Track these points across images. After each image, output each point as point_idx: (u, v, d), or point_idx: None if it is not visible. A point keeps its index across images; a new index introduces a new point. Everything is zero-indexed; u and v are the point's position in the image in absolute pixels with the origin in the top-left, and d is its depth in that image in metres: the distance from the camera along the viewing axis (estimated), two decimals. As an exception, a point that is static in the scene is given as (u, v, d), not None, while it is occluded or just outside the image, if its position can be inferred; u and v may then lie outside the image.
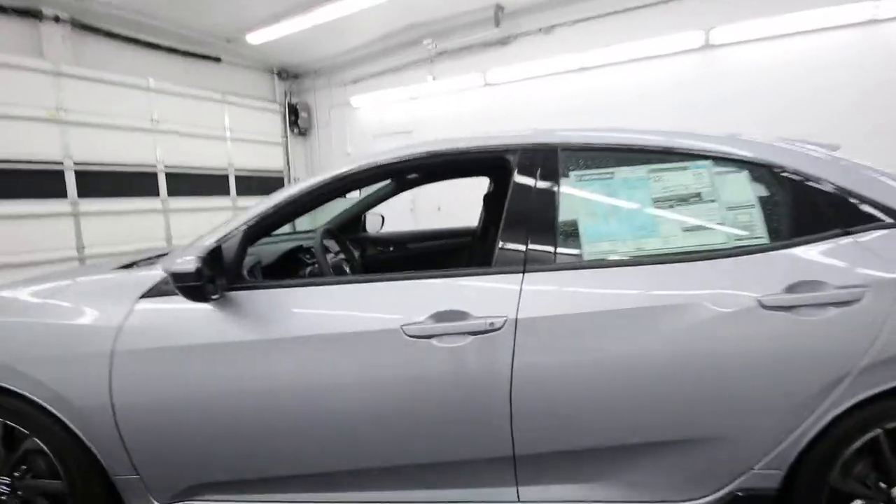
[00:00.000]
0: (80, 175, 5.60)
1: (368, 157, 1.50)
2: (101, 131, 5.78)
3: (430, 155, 1.48)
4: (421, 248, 3.13)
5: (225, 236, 1.37)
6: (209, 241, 1.34)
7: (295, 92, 7.88)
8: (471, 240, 3.08)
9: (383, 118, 7.12)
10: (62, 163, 5.46)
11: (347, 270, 1.83)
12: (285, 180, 8.06)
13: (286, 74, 7.68)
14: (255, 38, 6.10)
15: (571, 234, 1.36)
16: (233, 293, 1.35)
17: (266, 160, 7.68)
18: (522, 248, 1.34)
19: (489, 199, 2.61)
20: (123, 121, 5.95)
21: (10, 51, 5.08)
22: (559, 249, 1.34)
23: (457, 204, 6.39)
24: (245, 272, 1.51)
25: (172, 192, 6.56)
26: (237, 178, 7.30)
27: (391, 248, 3.11)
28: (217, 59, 6.86)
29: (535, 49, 5.70)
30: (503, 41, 5.90)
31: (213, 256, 1.28)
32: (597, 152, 1.44)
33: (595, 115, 5.12)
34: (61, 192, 5.47)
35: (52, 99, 5.35)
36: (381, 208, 2.97)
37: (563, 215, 1.37)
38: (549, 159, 1.42)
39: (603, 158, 1.43)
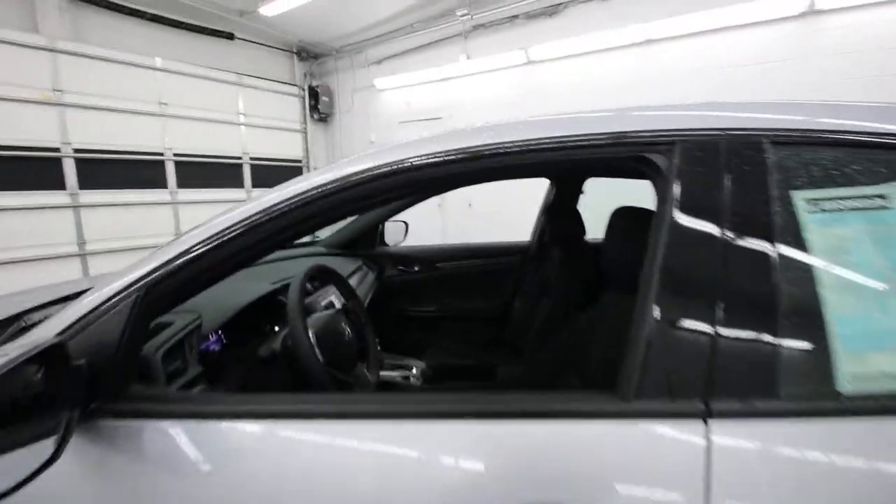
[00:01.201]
0: (80, 163, 5.12)
1: (376, 155, 0.79)
2: (103, 115, 5.27)
3: (496, 151, 0.77)
4: (454, 268, 2.42)
5: (80, 320, 0.69)
6: (50, 328, 0.68)
7: (316, 74, 7.24)
8: (521, 261, 2.35)
9: (410, 102, 6.38)
10: (59, 149, 4.97)
11: (346, 330, 1.14)
12: (304, 170, 7.47)
13: (306, 54, 7.02)
14: (270, 9, 5.44)
15: (809, 329, 0.62)
16: (108, 424, 0.68)
17: (284, 148, 7.10)
18: (701, 361, 0.62)
19: (559, 216, 1.86)
20: (128, 103, 5.43)
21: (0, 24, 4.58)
22: (786, 367, 0.61)
23: (491, 200, 5.69)
24: (157, 359, 0.85)
25: (182, 182, 6.04)
26: (252, 167, 6.74)
27: (416, 268, 2.41)
28: (230, 36, 6.25)
29: (587, 20, 4.84)
30: (550, 12, 5.05)
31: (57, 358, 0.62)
32: (852, 149, 0.69)
33: (664, 100, 4.24)
34: (59, 182, 5.00)
35: (47, 78, 4.84)
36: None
37: (791, 286, 0.64)
38: (749, 162, 0.69)
39: (864, 161, 0.68)
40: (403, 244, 2.50)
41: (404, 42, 6.14)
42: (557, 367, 1.33)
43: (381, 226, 2.42)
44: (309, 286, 1.49)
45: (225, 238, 0.74)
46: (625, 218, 1.05)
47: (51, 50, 4.83)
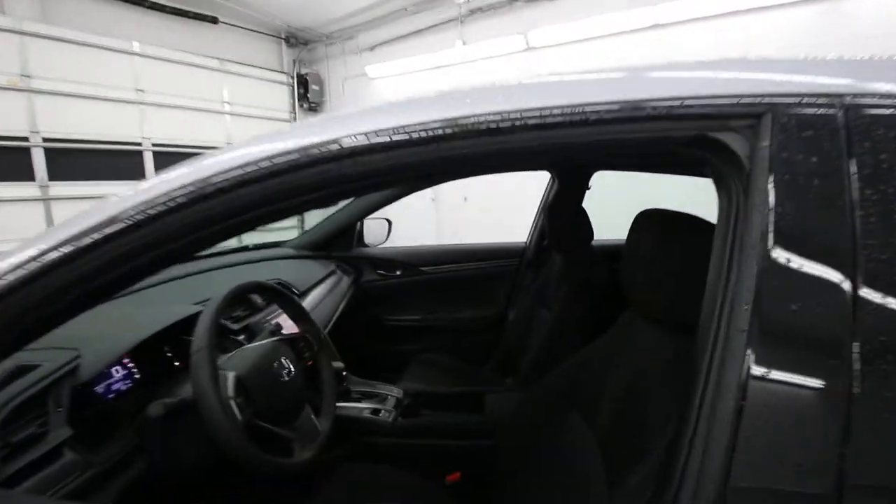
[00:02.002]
0: (50, 153, 4.81)
1: (277, 136, 0.51)
2: (76, 102, 4.95)
3: (475, 128, 0.48)
4: (441, 273, 2.14)
5: None
6: None
7: (305, 61, 6.91)
8: (518, 265, 2.07)
9: (404, 91, 6.06)
10: (28, 139, 4.66)
11: (285, 367, 0.86)
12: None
13: (295, 40, 6.69)
14: (253, -10, 5.12)
15: None
16: None
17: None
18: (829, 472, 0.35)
19: (562, 216, 1.58)
20: (102, 90, 5.11)
21: (-42, 3, 4.27)
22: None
23: (489, 193, 5.40)
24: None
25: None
26: (238, 159, 6.43)
27: (398, 272, 2.14)
28: (213, 20, 5.92)
29: (591, 3, 4.53)
30: (552, -6, 4.74)
31: None
32: None
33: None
34: (28, 173, 4.69)
35: (14, 63, 4.53)
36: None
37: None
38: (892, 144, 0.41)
39: None
40: (385, 245, 2.22)
41: (398, 27, 5.82)
42: (558, 402, 1.06)
43: (359, 224, 2.14)
44: (243, 311, 1.21)
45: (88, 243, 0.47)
46: (657, 224, 0.77)
47: (18, 32, 4.52)
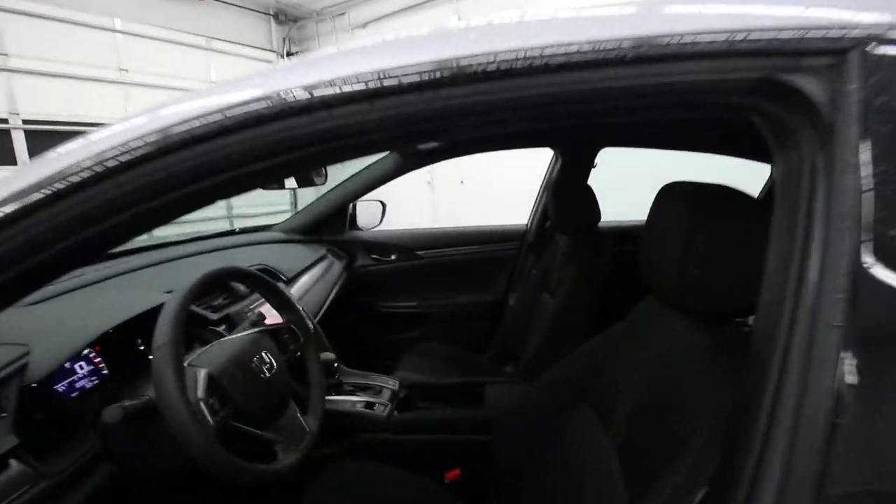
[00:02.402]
0: (31, 135, 4.64)
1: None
2: (56, 82, 4.75)
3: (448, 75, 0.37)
4: (437, 257, 2.04)
5: None
6: None
7: (295, 39, 6.67)
8: (518, 249, 1.98)
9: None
10: (7, 120, 4.48)
11: (266, 363, 0.77)
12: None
13: (284, 17, 6.45)
14: (238, -38, 4.89)
15: None
16: None
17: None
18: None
19: (566, 195, 1.47)
20: (83, 70, 4.91)
21: (-75, -25, 4.05)
22: None
23: (487, 176, 5.27)
24: None
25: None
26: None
27: (393, 257, 2.04)
28: (199, -5, 5.68)
29: (594, -25, 4.33)
30: (552, -34, 4.54)
31: None
32: None
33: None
34: (8, 157, 4.53)
35: (-11, 40, 4.33)
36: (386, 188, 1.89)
37: None
38: None
39: None
40: (379, 228, 2.12)
41: (391, 3, 5.60)
42: (566, 394, 0.98)
43: (351, 206, 2.03)
44: (223, 299, 1.11)
45: None
46: (686, 198, 0.67)
47: (-9, 7, 4.30)
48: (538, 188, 2.00)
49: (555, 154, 1.81)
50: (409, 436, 1.18)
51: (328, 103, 0.39)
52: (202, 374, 0.72)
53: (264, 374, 0.81)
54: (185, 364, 0.75)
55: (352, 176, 1.89)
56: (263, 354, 0.83)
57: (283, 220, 2.00)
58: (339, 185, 1.92)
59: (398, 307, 2.04)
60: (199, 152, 0.38)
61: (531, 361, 1.41)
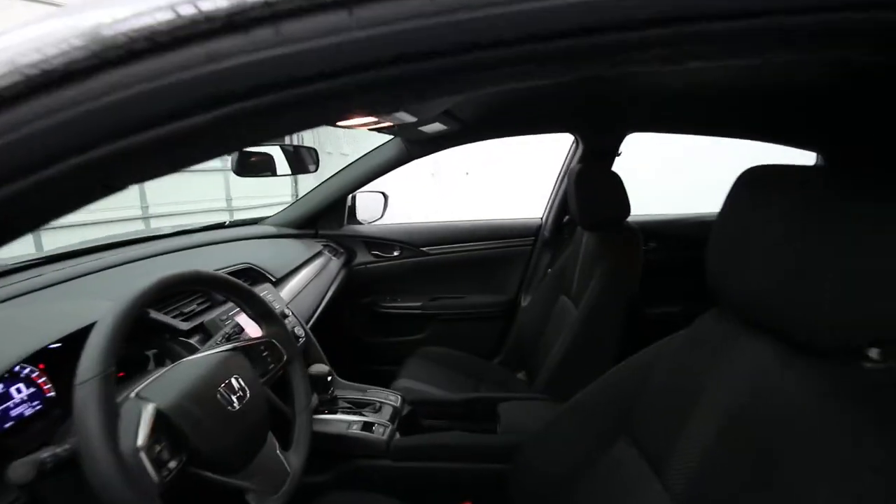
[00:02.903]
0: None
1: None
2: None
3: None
4: (445, 254, 1.88)
5: None
6: None
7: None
8: (532, 245, 1.81)
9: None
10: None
11: (237, 390, 0.60)
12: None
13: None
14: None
15: None
16: None
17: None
18: None
19: (589, 185, 1.29)
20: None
21: None
22: None
23: (495, 167, 5.04)
24: None
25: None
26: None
27: (396, 253, 1.88)
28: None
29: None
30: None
31: None
32: None
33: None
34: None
35: None
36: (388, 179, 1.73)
37: None
38: None
39: None
40: (381, 222, 1.95)
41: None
42: (600, 423, 0.82)
43: (350, 198, 1.86)
44: (198, 305, 0.95)
45: None
46: (783, 188, 0.50)
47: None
48: (555, 178, 1.83)
49: (575, 140, 1.63)
50: (412, 463, 1.02)
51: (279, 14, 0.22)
52: (148, 412, 0.56)
53: (233, 405, 0.65)
54: (132, 395, 0.60)
55: (350, 164, 1.73)
56: (234, 381, 0.67)
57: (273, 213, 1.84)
58: (337, 174, 1.75)
59: (401, 308, 1.88)
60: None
61: (551, 375, 1.24)
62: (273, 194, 6.53)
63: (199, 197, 6.11)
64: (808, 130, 1.37)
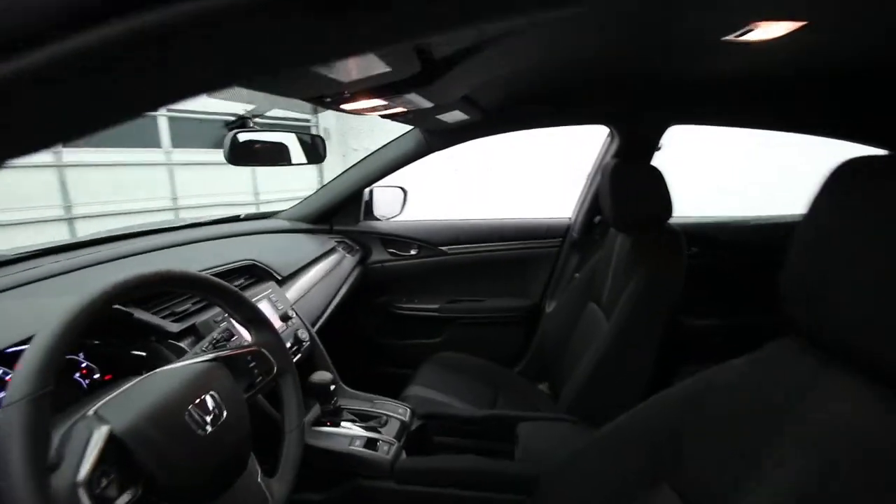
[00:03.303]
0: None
1: None
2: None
3: None
4: (465, 254, 1.77)
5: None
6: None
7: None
8: (559, 247, 1.68)
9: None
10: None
11: (209, 410, 0.51)
12: (314, 130, 6.81)
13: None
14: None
15: None
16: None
17: (291, 105, 6.46)
18: None
19: (626, 182, 1.15)
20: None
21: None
22: None
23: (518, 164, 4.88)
24: None
25: (177, 141, 5.53)
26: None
27: (413, 252, 1.78)
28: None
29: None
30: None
31: None
32: None
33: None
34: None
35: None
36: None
37: None
38: None
39: None
40: (399, 219, 1.86)
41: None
42: (637, 462, 0.69)
43: (367, 192, 1.77)
44: (193, 304, 0.87)
45: None
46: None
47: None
48: (586, 175, 1.68)
49: (610, 133, 1.49)
50: (418, 487, 0.92)
51: None
52: (100, 435, 0.47)
53: (204, 428, 0.56)
54: (91, 412, 0.51)
55: (367, 157, 1.63)
56: (208, 398, 0.58)
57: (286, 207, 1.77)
58: (354, 167, 1.66)
59: (417, 310, 1.78)
60: None
61: (577, 393, 1.12)
62: (298, 188, 6.57)
63: (229, 190, 6.19)
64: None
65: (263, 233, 1.52)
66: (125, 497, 0.47)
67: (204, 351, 0.71)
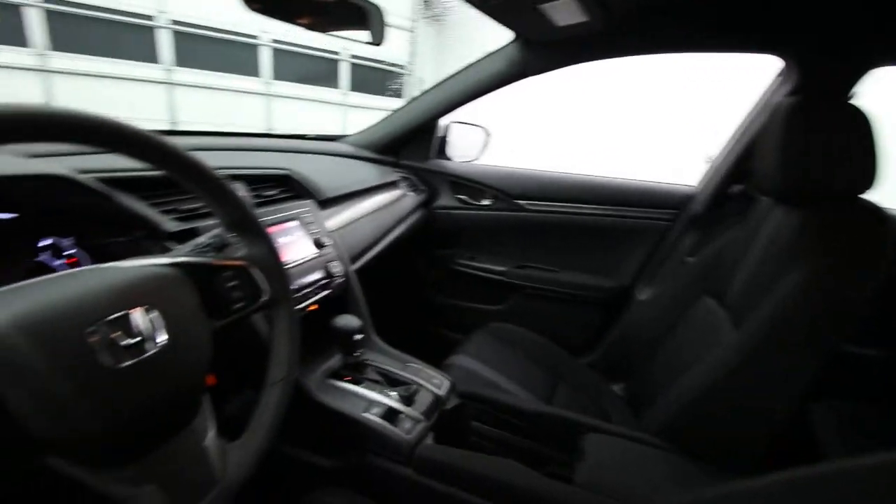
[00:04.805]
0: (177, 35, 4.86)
1: None
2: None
3: None
4: (547, 213, 1.47)
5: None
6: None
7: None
8: (671, 220, 1.33)
9: None
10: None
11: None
12: (409, 79, 6.64)
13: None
14: None
15: None
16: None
17: (385, 49, 6.29)
18: None
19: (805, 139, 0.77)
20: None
21: None
22: None
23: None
24: None
25: (278, 73, 5.63)
26: (352, 66, 6.10)
27: (487, 202, 1.52)
28: None
29: None
30: None
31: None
32: None
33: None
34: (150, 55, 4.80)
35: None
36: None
37: None
38: None
39: None
40: (478, 163, 1.60)
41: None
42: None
43: (444, 126, 1.52)
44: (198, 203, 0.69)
45: None
46: None
47: None
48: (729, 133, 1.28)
49: (783, 68, 1.08)
50: (441, 485, 0.70)
51: None
52: None
53: (115, 358, 0.36)
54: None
55: (446, 80, 1.36)
56: (137, 316, 0.39)
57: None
58: (428, 92, 1.41)
59: (480, 269, 1.53)
60: None
61: (676, 415, 0.81)
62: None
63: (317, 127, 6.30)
64: None
65: (321, 153, 1.34)
66: None
67: (181, 255, 0.52)
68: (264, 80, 5.61)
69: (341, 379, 0.83)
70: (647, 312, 1.25)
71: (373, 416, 0.75)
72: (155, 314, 0.40)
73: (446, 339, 1.61)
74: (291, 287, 0.59)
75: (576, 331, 1.47)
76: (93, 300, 0.37)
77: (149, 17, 4.62)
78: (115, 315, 0.38)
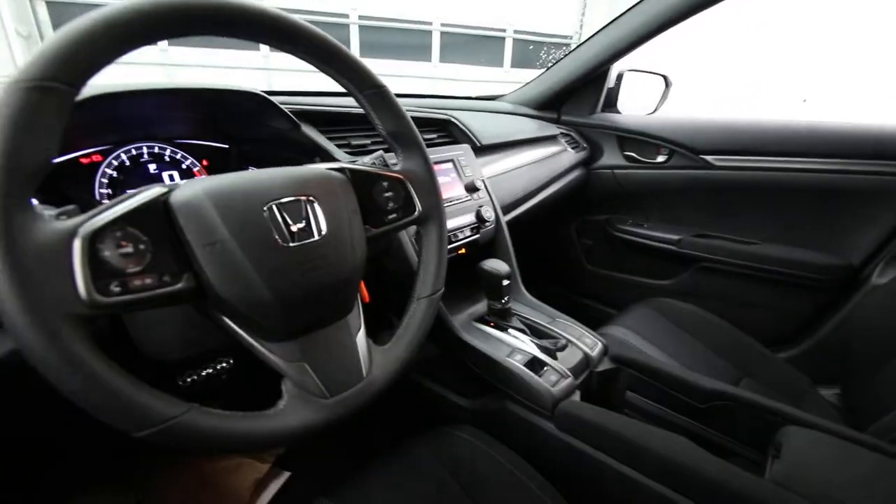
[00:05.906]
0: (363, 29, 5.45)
1: None
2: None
3: None
4: (742, 169, 1.21)
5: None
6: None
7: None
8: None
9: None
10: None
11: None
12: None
13: None
14: None
15: None
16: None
17: (552, 21, 6.02)
18: None
19: None
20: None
21: None
22: None
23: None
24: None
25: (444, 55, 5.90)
26: (514, 41, 6.02)
27: (661, 159, 1.33)
28: None
29: None
30: None
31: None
32: None
33: None
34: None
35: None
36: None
37: None
38: None
39: None
40: (655, 115, 1.39)
41: None
42: None
43: (615, 76, 1.36)
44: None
45: None
46: None
47: None
48: None
49: None
50: (589, 449, 0.63)
51: None
52: (146, 195, 0.35)
53: (284, 235, 0.39)
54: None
55: (613, 21, 1.20)
56: (304, 203, 0.41)
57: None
58: (592, 38, 1.26)
59: (646, 237, 1.35)
60: None
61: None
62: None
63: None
64: None
65: (479, 111, 1.33)
66: (146, 279, 0.34)
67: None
68: (433, 63, 5.93)
69: (487, 324, 0.81)
70: (884, 301, 0.93)
71: (516, 363, 0.71)
72: (320, 207, 0.43)
73: (599, 314, 1.48)
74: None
75: (774, 317, 1.19)
76: (269, 183, 0.41)
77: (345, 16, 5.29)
78: (287, 199, 0.41)
